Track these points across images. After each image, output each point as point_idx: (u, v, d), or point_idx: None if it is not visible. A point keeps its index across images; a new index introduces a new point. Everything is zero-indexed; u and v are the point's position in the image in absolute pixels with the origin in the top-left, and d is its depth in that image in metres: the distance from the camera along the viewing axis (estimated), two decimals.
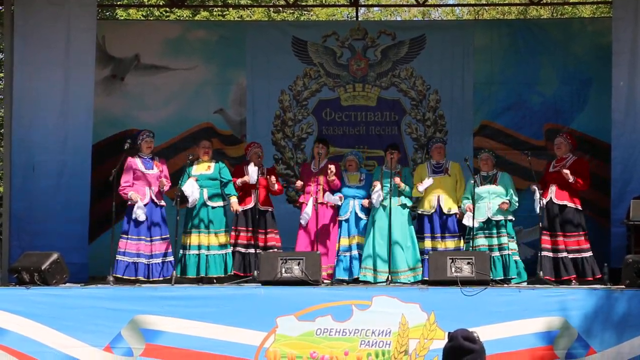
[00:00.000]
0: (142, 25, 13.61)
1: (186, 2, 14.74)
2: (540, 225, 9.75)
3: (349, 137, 12.04)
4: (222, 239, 9.95)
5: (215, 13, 17.25)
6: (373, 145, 12.07)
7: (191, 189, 9.81)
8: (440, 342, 8.52)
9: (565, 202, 9.73)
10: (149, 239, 9.78)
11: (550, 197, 9.80)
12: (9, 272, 9.65)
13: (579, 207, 9.86)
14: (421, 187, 9.86)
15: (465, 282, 8.85)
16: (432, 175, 10.01)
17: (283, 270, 9.07)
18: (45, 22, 10.68)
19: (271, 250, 9.86)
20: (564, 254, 9.67)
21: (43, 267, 9.03)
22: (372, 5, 20.99)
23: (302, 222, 9.98)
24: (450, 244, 9.90)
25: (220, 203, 10.01)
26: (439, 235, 9.91)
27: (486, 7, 19.89)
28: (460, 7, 21.96)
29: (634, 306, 8.53)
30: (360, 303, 8.77)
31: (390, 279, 9.57)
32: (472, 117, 12.03)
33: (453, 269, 8.99)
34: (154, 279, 9.75)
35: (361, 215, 10.01)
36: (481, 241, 9.77)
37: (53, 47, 10.66)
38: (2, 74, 14.76)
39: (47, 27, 10.68)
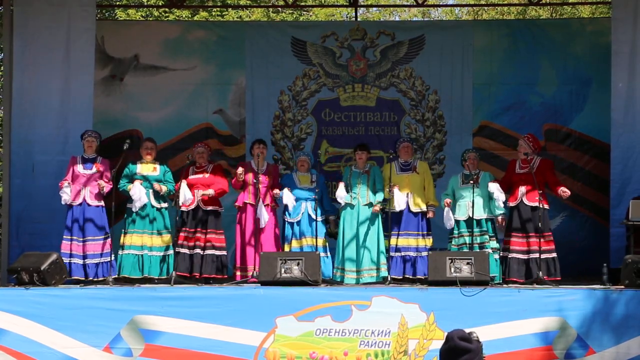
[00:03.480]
0: (142, 26, 13.60)
1: (185, 3, 14.75)
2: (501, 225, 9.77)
3: (349, 138, 12.03)
4: (165, 239, 9.90)
5: (214, 13, 17.25)
6: (372, 145, 11.99)
7: (139, 193, 9.72)
8: (440, 343, 8.50)
9: (536, 204, 9.64)
10: (81, 239, 9.71)
11: (522, 199, 9.71)
12: (8, 273, 9.65)
13: (547, 207, 9.76)
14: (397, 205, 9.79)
15: (465, 283, 8.86)
16: (399, 173, 9.98)
17: (282, 270, 9.08)
18: (45, 22, 10.70)
19: (268, 253, 9.81)
20: (536, 255, 9.56)
21: (42, 268, 9.02)
22: (372, 6, 20.99)
23: (262, 224, 9.79)
24: (416, 242, 9.85)
25: (164, 205, 9.95)
26: (406, 232, 9.85)
27: (485, 8, 19.88)
28: (459, 8, 21.95)
29: (633, 307, 8.53)
30: (359, 303, 8.77)
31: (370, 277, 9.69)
32: (471, 117, 12.04)
33: (452, 269, 8.99)
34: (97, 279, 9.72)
35: (314, 216, 9.91)
36: (462, 240, 9.75)
37: (53, 48, 10.68)
38: (1, 74, 14.75)
39: (47, 28, 10.70)
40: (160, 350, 8.72)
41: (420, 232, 9.88)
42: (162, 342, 8.73)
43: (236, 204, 9.99)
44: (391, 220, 9.83)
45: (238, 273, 9.85)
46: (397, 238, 9.84)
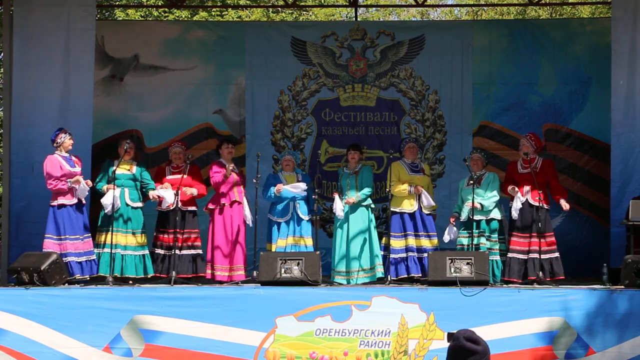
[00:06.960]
0: (141, 26, 13.59)
1: (185, 3, 14.75)
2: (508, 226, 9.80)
3: (348, 138, 11.99)
4: (139, 239, 9.91)
5: (214, 13, 17.25)
6: (372, 145, 12.07)
7: (111, 200, 9.69)
8: (440, 343, 8.54)
9: (540, 204, 9.60)
10: (81, 237, 9.68)
11: (526, 199, 9.66)
12: (8, 273, 9.64)
13: (547, 207, 9.75)
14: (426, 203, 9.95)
15: (465, 283, 8.86)
16: (411, 174, 10.03)
17: (282, 270, 9.08)
18: (45, 22, 10.70)
19: (268, 252, 9.81)
20: (535, 255, 9.54)
21: (42, 268, 9.03)
22: (371, 6, 21.00)
23: (250, 223, 9.82)
24: (426, 242, 9.90)
25: (139, 204, 9.97)
26: (422, 233, 9.90)
27: (485, 8, 19.89)
28: (459, 8, 21.95)
29: (633, 306, 8.54)
30: (359, 303, 8.77)
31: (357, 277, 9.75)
32: (471, 117, 12.03)
33: (452, 269, 8.99)
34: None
35: (303, 216, 9.95)
36: (463, 241, 9.78)
37: (52, 48, 10.68)
38: (1, 74, 14.75)
39: (47, 28, 10.69)
40: (160, 350, 8.73)
41: (431, 233, 9.95)
42: (162, 342, 8.73)
43: (210, 204, 10.00)
44: (403, 220, 9.88)
45: (208, 271, 9.84)
46: (415, 239, 9.89)
